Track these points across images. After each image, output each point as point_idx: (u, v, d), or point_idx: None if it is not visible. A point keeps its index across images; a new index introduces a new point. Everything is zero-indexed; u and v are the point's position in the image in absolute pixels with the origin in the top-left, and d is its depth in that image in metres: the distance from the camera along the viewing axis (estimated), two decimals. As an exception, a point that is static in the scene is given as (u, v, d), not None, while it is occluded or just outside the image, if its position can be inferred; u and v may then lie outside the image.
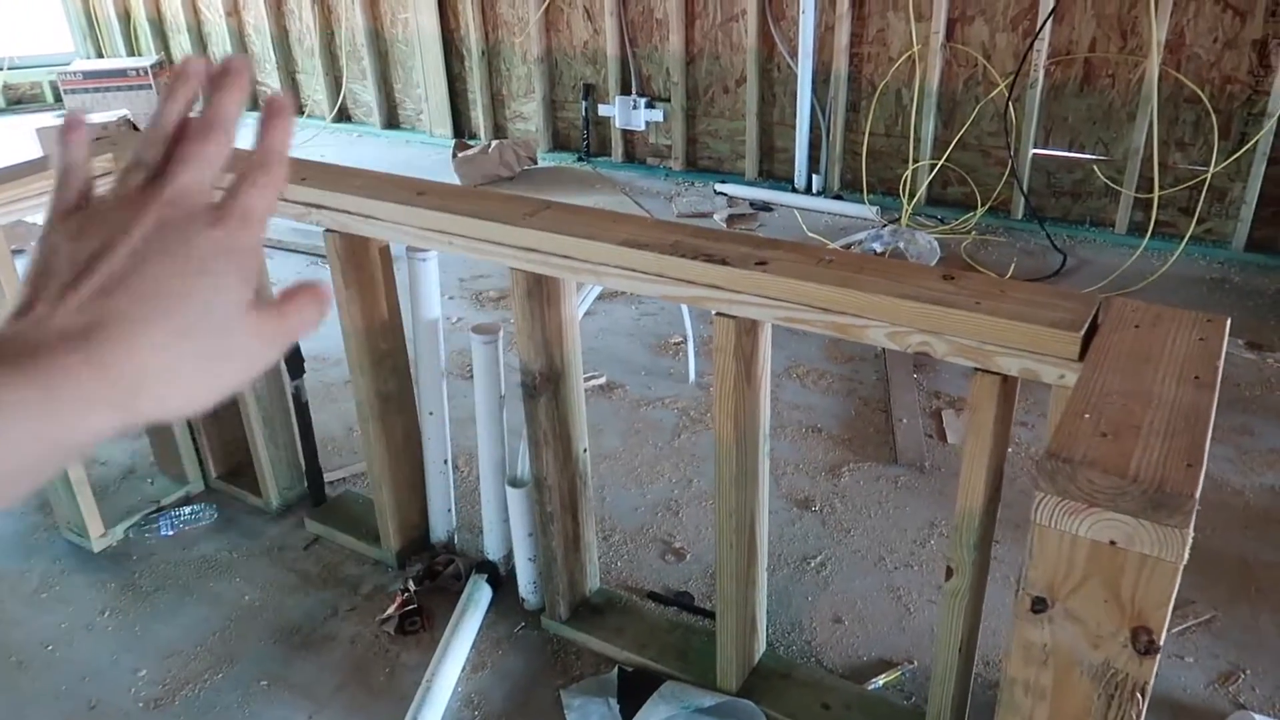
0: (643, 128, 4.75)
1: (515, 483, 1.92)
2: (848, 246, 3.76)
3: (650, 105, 4.70)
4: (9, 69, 6.49)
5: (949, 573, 1.40)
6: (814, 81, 4.23)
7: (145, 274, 0.42)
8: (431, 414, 2.07)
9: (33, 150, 5.30)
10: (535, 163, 4.83)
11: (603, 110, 4.85)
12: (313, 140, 5.61)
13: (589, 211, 1.68)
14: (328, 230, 1.87)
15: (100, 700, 1.87)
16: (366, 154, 5.40)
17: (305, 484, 2.40)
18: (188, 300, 0.43)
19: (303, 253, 3.98)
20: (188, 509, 2.39)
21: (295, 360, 2.24)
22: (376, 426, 2.05)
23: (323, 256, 3.95)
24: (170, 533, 2.33)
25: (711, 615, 1.95)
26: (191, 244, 0.44)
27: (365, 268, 1.93)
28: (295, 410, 2.29)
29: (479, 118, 5.29)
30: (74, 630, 2.05)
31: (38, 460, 0.39)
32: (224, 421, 2.44)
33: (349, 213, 1.81)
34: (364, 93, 5.70)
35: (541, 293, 1.67)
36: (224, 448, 2.47)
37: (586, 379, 2.92)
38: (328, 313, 0.50)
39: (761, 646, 1.82)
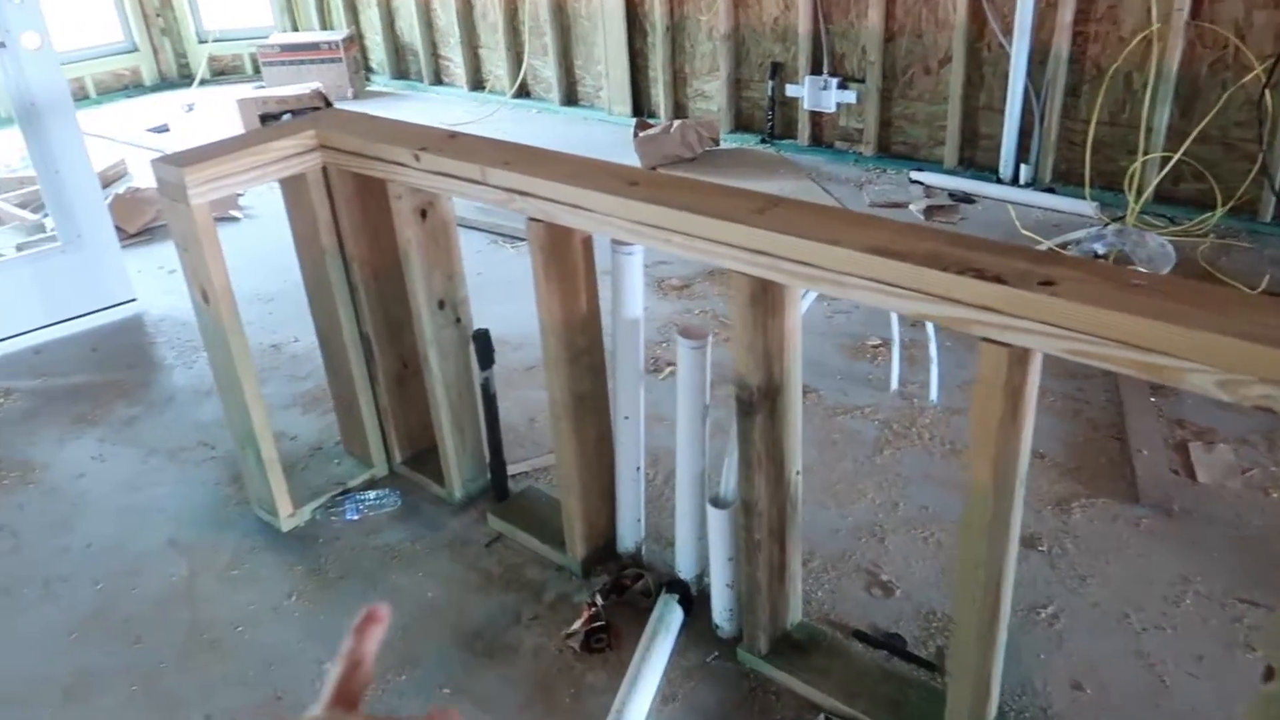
0: (833, 109, 4.48)
1: (719, 503, 1.76)
2: (1064, 246, 3.41)
3: (842, 86, 4.43)
4: (214, 41, 6.81)
5: (1269, 673, 1.15)
6: (1029, 63, 3.86)
7: None
8: (627, 418, 1.93)
9: (233, 119, 5.52)
10: (717, 144, 4.65)
11: (790, 90, 4.61)
12: (492, 116, 5.61)
13: (825, 211, 1.50)
14: (531, 219, 1.75)
15: (286, 691, 1.84)
16: (544, 131, 5.35)
17: (488, 476, 2.33)
18: None
19: (484, 230, 3.95)
20: (372, 494, 2.35)
21: (485, 351, 2.15)
22: (568, 427, 1.94)
23: (502, 235, 3.93)
24: (355, 517, 2.30)
25: (929, 665, 1.75)
26: None
27: (567, 260, 1.81)
28: (483, 402, 2.22)
29: (659, 96, 5.14)
30: (261, 612, 2.05)
31: None
32: (410, 406, 2.39)
33: (555, 201, 1.69)
34: (544, 68, 5.66)
35: (766, 300, 1.50)
36: (409, 433, 2.43)
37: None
38: None
39: (993, 711, 1.61)
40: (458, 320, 2.18)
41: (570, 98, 5.63)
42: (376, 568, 2.15)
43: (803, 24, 4.43)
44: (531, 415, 2.68)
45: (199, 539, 2.29)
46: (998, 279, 1.21)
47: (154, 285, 3.64)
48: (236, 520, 2.34)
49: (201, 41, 6.81)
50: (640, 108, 5.28)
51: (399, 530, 2.26)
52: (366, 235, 2.18)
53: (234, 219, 4.27)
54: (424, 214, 2.04)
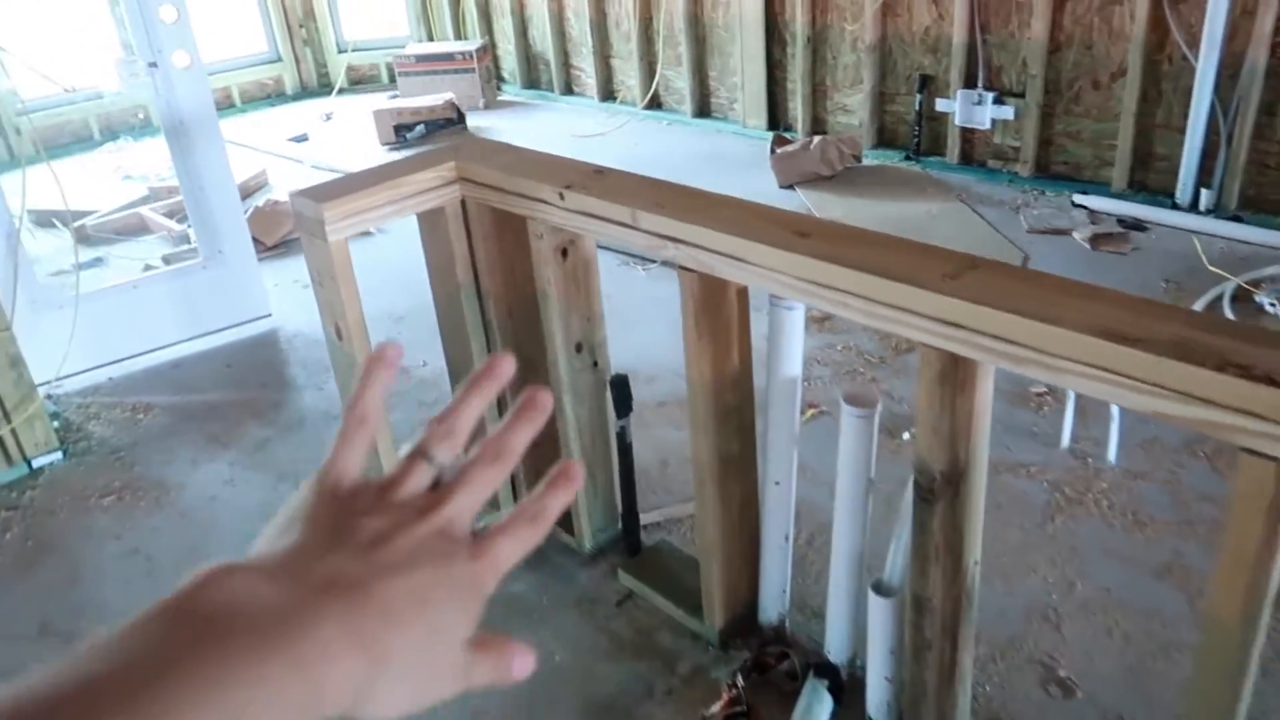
0: (987, 126, 4.19)
1: (883, 590, 1.58)
2: (1255, 283, 3.06)
3: (999, 100, 4.13)
4: (353, 51, 6.94)
5: None
6: (1218, 77, 3.50)
7: (411, 576, 0.43)
8: (778, 484, 1.77)
9: (369, 129, 5.59)
10: (859, 161, 4.41)
11: (939, 105, 4.34)
12: (622, 128, 5.51)
13: (1032, 278, 1.30)
14: (683, 268, 1.61)
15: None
16: (676, 143, 5.22)
17: (619, 526, 2.19)
18: (433, 614, 0.43)
19: (614, 250, 3.83)
20: (498, 538, 2.25)
21: (623, 398, 2.02)
22: (713, 492, 1.78)
23: (633, 255, 3.80)
24: (480, 563, 2.20)
25: (1125, 794, 1.52)
26: (451, 568, 0.44)
27: (721, 313, 1.65)
28: (619, 451, 2.08)
29: (797, 109, 4.93)
30: (385, 664, 1.96)
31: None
32: (539, 447, 2.26)
33: (713, 251, 1.53)
34: (677, 79, 5.52)
35: (956, 376, 1.31)
36: (538, 474, 2.29)
37: (930, 430, 2.52)
38: (515, 678, 0.46)
39: None
40: (595, 364, 2.05)
41: (703, 110, 5.47)
42: (502, 622, 2.03)
43: (957, 34, 4.15)
44: (664, 457, 2.53)
45: (324, 575, 2.24)
46: (1269, 379, 1.00)
47: (289, 300, 3.66)
48: (362, 558, 2.28)
49: (341, 51, 6.96)
50: (776, 121, 5.09)
51: (526, 579, 2.15)
52: (503, 270, 2.08)
53: (367, 234, 4.28)
54: (565, 253, 1.92)
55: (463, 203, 2.02)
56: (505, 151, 2.03)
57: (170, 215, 4.45)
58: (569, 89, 6.20)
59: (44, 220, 4.40)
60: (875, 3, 4.38)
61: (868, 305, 1.33)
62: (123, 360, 3.27)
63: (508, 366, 0.51)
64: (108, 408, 3.04)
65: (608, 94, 5.95)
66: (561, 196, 1.76)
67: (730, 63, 5.22)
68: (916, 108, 4.42)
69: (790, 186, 4.29)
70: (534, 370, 2.17)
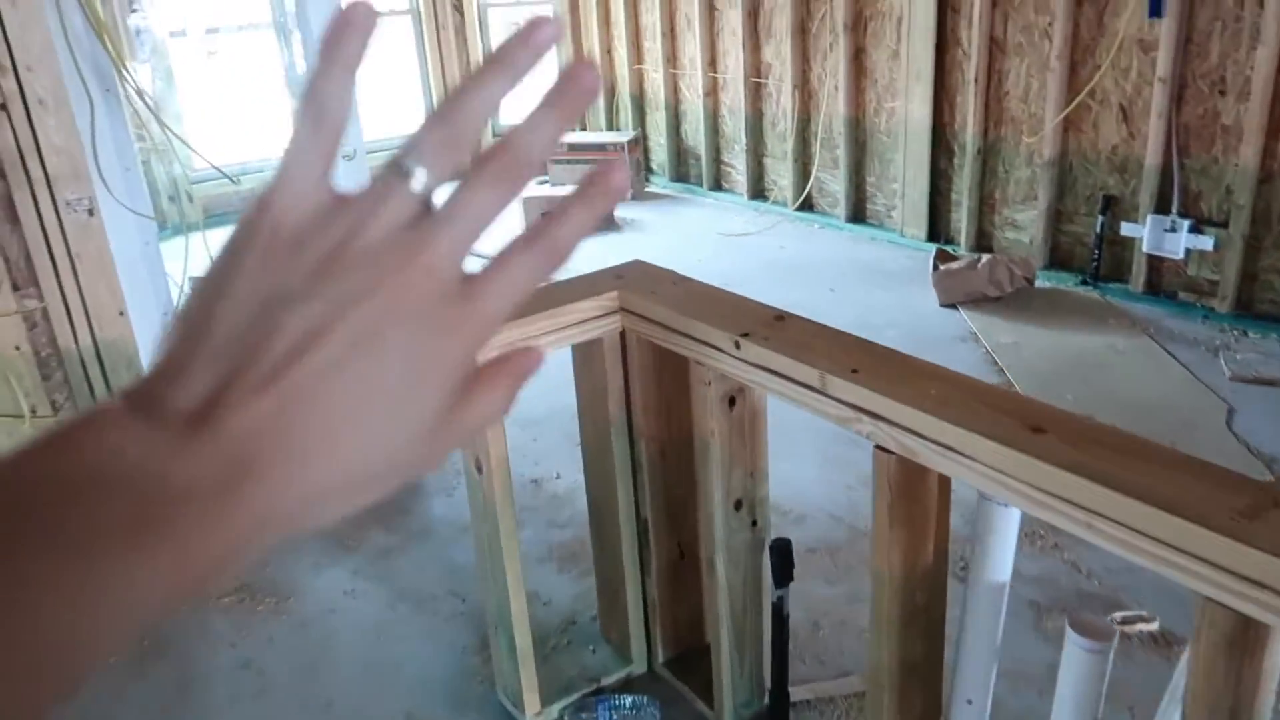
0: (1180, 255, 3.83)
1: None
2: None
3: (1196, 229, 3.77)
4: (507, 136, 7.06)
5: None
6: None
7: (359, 370, 0.31)
8: (970, 703, 1.49)
9: (516, 215, 5.60)
10: (1031, 283, 4.10)
11: (1125, 229, 4.00)
12: (772, 229, 5.35)
13: (1358, 527, 1.01)
14: (880, 448, 1.38)
15: None
16: (827, 249, 5.02)
17: (765, 702, 1.94)
18: (374, 435, 0.32)
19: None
20: (629, 699, 2.03)
21: (784, 565, 1.79)
22: (891, 700, 1.52)
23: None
24: (606, 728, 1.98)
25: None
26: (427, 322, 0.33)
27: (920, 501, 1.41)
28: (773, 623, 1.84)
29: (961, 221, 4.67)
30: (495, 844, 1.76)
31: (153, 616, 0.29)
32: (681, 600, 2.06)
33: (920, 436, 1.30)
34: (832, 182, 5.35)
35: (1246, 640, 1.03)
36: (676, 630, 2.10)
37: (1126, 620, 2.19)
38: (521, 386, 0.37)
39: None
40: (754, 523, 1.83)
41: (857, 215, 5.27)
42: (627, 808, 1.81)
43: (1150, 155, 3.83)
44: (815, 618, 2.27)
45: (438, 716, 2.06)
46: None
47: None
48: (478, 702, 2.09)
49: (496, 135, 7.09)
50: (936, 232, 4.83)
51: (656, 755, 1.92)
52: (659, 409, 1.90)
53: (508, 324, 4.21)
54: (732, 401, 1.72)
55: (621, 333, 1.86)
56: (673, 283, 1.87)
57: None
58: (718, 184, 6.10)
59: (203, 290, 4.51)
60: (1057, 116, 4.11)
61: (1124, 533, 1.08)
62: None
63: (550, 32, 0.34)
64: (239, 495, 2.99)
65: (758, 192, 5.82)
66: (737, 345, 1.57)
67: (890, 169, 5.01)
68: (1097, 230, 4.09)
69: (953, 305, 4.01)
70: (681, 511, 1.98)
